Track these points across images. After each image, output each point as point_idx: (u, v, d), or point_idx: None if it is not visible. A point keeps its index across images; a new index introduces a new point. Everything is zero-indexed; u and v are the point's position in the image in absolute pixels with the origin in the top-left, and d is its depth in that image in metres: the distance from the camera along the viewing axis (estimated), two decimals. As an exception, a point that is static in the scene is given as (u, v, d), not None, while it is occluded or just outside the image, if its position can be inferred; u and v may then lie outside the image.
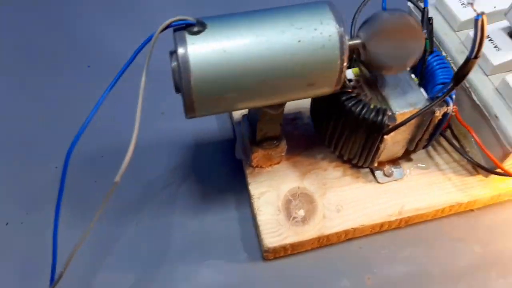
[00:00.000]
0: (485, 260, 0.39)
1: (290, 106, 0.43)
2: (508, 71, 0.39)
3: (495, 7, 0.41)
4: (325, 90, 0.32)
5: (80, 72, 0.50)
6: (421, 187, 0.40)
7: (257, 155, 0.39)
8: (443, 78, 0.37)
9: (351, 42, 0.32)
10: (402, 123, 0.34)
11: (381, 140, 0.36)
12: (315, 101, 0.40)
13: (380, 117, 0.34)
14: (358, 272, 0.38)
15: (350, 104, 0.35)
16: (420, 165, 0.41)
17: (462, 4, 0.42)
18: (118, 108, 0.41)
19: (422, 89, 0.37)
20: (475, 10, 0.27)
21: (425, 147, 0.40)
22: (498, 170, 0.39)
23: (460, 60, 0.40)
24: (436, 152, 0.42)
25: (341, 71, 0.30)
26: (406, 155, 0.41)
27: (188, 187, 0.42)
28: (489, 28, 0.39)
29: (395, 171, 0.41)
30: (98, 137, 0.42)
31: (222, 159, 0.43)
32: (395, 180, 0.40)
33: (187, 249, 0.39)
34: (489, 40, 0.40)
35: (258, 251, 0.38)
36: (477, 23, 0.28)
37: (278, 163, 0.41)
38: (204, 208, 0.41)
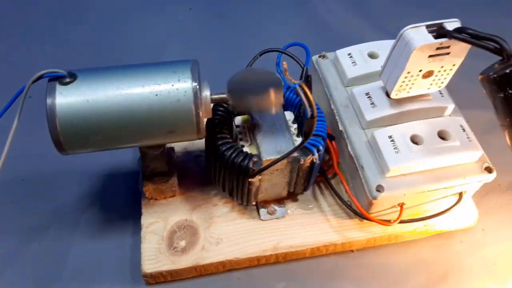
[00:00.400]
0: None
1: (199, 144, 0.48)
2: (381, 126, 0.43)
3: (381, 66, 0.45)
4: (189, 137, 0.36)
5: None
6: (300, 226, 0.44)
7: (148, 189, 0.43)
8: (316, 130, 0.41)
9: (216, 96, 0.36)
10: (263, 169, 0.38)
11: (250, 183, 0.40)
12: (206, 143, 0.44)
13: (246, 162, 0.38)
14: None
15: (223, 149, 0.39)
16: (303, 206, 0.45)
17: (353, 63, 0.47)
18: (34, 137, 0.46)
19: (294, 138, 0.41)
20: (291, 80, 0.32)
21: (305, 189, 0.44)
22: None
23: (343, 113, 0.45)
24: (323, 195, 0.46)
25: (198, 122, 0.35)
26: (292, 196, 0.45)
27: (92, 213, 0.46)
28: (369, 86, 0.44)
29: (278, 210, 0.44)
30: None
31: (128, 190, 0.48)
32: (277, 218, 0.44)
33: (79, 270, 0.43)
34: (368, 97, 0.44)
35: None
36: (298, 90, 0.32)
37: (172, 196, 0.45)
38: (103, 234, 0.45)
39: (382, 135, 0.41)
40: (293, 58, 0.44)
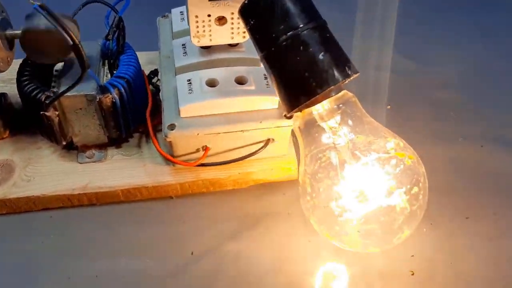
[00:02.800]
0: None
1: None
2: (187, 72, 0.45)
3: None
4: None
5: None
6: (115, 170, 0.46)
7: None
8: (119, 72, 0.43)
9: (11, 32, 0.39)
10: (53, 100, 0.41)
11: (47, 117, 0.42)
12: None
13: (39, 95, 0.41)
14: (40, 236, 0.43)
15: (23, 84, 0.42)
16: (124, 152, 0.47)
17: (181, 19, 0.49)
18: None
19: (97, 79, 0.43)
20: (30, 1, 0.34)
21: (122, 134, 0.46)
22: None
23: (164, 63, 0.47)
24: (148, 144, 0.48)
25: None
26: (116, 143, 0.47)
27: None
28: (188, 38, 0.46)
29: (97, 154, 0.47)
30: None
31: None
32: (94, 162, 0.46)
33: None
34: (183, 47, 0.46)
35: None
36: (38, 10, 0.34)
37: (1, 138, 0.47)
38: None
39: (182, 79, 0.43)
40: (113, 9, 0.46)
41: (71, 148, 0.47)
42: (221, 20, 0.42)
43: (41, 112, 0.41)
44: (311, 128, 0.36)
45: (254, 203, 0.46)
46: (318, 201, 0.36)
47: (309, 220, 0.39)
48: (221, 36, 0.43)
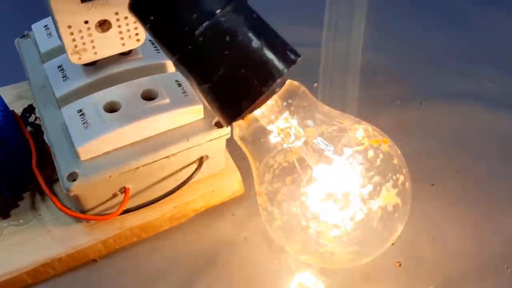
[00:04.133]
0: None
1: None
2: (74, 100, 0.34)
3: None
4: None
5: None
6: (12, 248, 0.34)
7: None
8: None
9: None
10: None
11: None
12: None
13: None
14: None
15: None
16: (16, 221, 0.36)
17: (48, 35, 0.38)
18: None
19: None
20: None
21: (8, 201, 0.35)
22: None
23: (38, 95, 0.36)
24: (45, 203, 0.37)
25: None
26: (1, 212, 0.36)
27: None
28: (63, 58, 0.36)
29: (-22, 235, 0.35)
30: None
31: None
32: (-22, 246, 0.34)
33: None
34: (60, 70, 0.36)
35: None
36: None
37: None
38: None
39: (70, 110, 0.33)
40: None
41: None
42: (104, 25, 0.32)
43: None
44: (258, 134, 0.29)
45: (200, 237, 0.38)
46: (286, 219, 0.29)
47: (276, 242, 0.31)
48: (108, 45, 0.33)
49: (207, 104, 0.27)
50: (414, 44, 0.57)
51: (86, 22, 0.31)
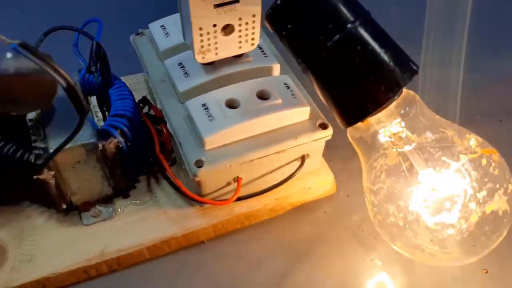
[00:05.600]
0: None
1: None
2: (195, 95, 0.38)
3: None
4: None
5: None
6: (131, 225, 0.38)
7: None
8: (115, 110, 0.36)
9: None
10: (47, 160, 0.33)
11: (41, 181, 0.34)
12: None
13: (26, 156, 0.33)
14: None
15: (-1, 147, 0.33)
16: (135, 201, 0.40)
17: (166, 34, 0.42)
18: None
19: (94, 123, 0.35)
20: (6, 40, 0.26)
21: (130, 182, 0.39)
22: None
23: (159, 89, 0.40)
24: (160, 186, 0.41)
25: None
26: (122, 193, 0.40)
27: None
28: (183, 56, 0.39)
29: (104, 210, 0.39)
30: None
31: None
32: (103, 220, 0.38)
33: None
34: (181, 67, 0.39)
35: None
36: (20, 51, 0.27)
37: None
38: None
39: (194, 104, 0.36)
40: (85, 35, 0.38)
41: (69, 210, 0.39)
42: (227, 28, 0.35)
43: (35, 177, 0.33)
44: (372, 136, 0.31)
45: (295, 230, 0.40)
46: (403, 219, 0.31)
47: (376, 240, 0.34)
48: (228, 48, 0.37)
49: (327, 106, 0.30)
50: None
51: (214, 25, 0.34)
